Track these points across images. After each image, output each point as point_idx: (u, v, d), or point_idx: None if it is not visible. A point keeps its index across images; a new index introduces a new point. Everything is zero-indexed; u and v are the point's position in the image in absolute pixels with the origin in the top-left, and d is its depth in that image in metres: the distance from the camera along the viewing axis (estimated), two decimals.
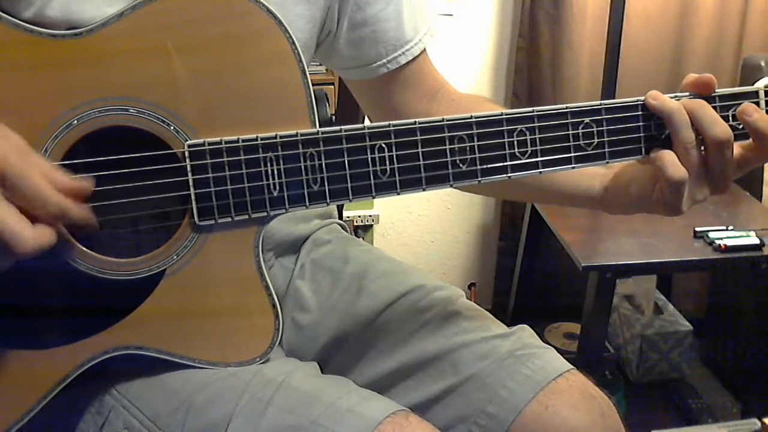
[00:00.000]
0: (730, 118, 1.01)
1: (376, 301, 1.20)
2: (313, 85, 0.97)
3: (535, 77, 2.83)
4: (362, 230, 2.97)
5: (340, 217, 1.52)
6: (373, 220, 2.95)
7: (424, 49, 1.24)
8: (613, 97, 2.47)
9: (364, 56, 1.20)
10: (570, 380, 1.08)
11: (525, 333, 1.15)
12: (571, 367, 1.11)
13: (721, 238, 2.22)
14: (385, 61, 1.20)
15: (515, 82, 2.85)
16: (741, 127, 1.01)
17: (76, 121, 0.91)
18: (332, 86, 2.46)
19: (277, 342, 1.00)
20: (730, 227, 2.29)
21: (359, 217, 2.92)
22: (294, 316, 1.25)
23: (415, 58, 1.22)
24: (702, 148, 0.99)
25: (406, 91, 1.24)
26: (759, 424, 2.28)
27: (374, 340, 1.17)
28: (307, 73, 0.96)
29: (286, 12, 1.07)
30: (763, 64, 2.51)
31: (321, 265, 1.29)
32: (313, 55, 1.21)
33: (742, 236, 2.24)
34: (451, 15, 2.79)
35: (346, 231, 1.41)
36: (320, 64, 2.27)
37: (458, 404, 1.09)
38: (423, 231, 3.06)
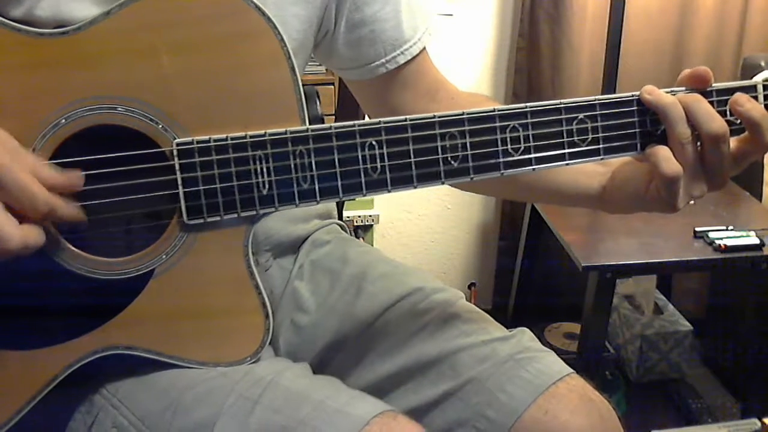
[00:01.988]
0: (728, 112, 0.99)
1: (375, 303, 1.20)
2: (309, 84, 0.96)
3: (535, 77, 2.83)
4: (362, 230, 2.97)
5: (340, 217, 1.51)
6: (373, 220, 2.94)
7: (424, 48, 1.23)
8: None
9: (363, 56, 1.20)
10: (570, 384, 1.07)
11: (525, 336, 1.14)
12: (571, 370, 1.10)
13: (721, 238, 2.22)
14: (383, 60, 1.19)
15: (515, 82, 2.85)
16: (739, 122, 0.99)
17: (64, 120, 0.90)
18: (332, 86, 2.46)
19: (268, 342, 1.00)
20: (730, 227, 2.29)
21: (359, 217, 2.91)
22: (293, 317, 1.24)
23: (414, 58, 1.21)
24: (698, 143, 0.97)
25: (405, 91, 1.23)
26: (759, 424, 2.27)
27: (373, 342, 1.17)
28: (297, 71, 0.95)
29: (282, 12, 1.06)
30: (763, 64, 2.51)
31: (320, 266, 1.28)
32: (310, 54, 1.21)
33: (742, 236, 2.24)
34: (451, 15, 2.79)
35: (346, 231, 1.40)
36: (320, 64, 2.28)
37: (457, 408, 1.08)
38: (423, 231, 3.06)
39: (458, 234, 3.09)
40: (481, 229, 3.09)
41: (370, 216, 2.93)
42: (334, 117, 1.97)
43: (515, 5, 2.81)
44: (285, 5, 1.09)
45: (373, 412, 0.94)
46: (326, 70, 2.41)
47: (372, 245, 2.96)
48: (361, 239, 2.92)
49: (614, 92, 2.59)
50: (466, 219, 3.07)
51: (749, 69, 2.55)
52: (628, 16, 2.55)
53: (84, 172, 0.89)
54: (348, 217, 2.88)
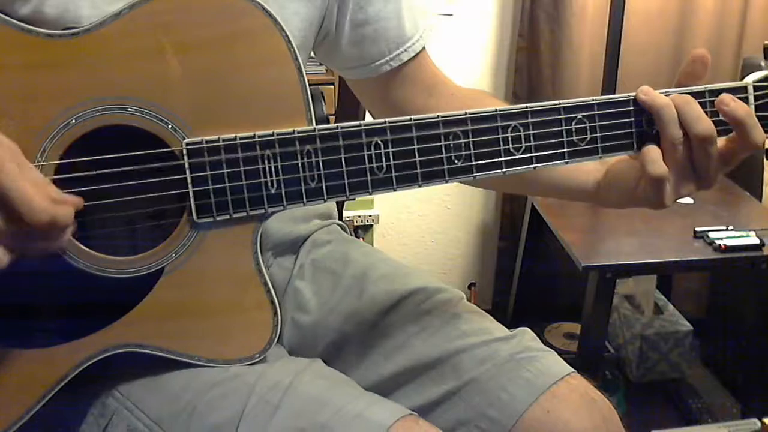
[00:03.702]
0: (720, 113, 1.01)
1: (377, 304, 1.20)
2: (311, 84, 0.97)
3: (535, 77, 2.83)
4: (362, 230, 2.97)
5: (340, 217, 1.52)
6: (373, 220, 2.95)
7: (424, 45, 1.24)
8: None
9: (367, 55, 1.21)
10: (571, 384, 1.08)
11: (526, 336, 1.15)
12: (572, 370, 1.11)
13: (721, 238, 2.22)
14: (387, 59, 1.21)
15: (515, 82, 2.85)
16: None
17: (73, 121, 0.91)
18: (332, 86, 2.47)
19: (276, 338, 1.00)
20: (730, 227, 2.29)
21: (359, 217, 2.92)
22: (294, 316, 1.24)
23: (416, 55, 1.23)
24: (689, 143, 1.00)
25: (406, 87, 1.24)
26: (759, 424, 2.28)
27: (375, 343, 1.17)
28: (304, 71, 0.96)
29: (282, 9, 1.07)
30: (763, 64, 2.51)
31: (321, 267, 1.28)
32: (310, 54, 1.21)
33: (742, 236, 2.24)
34: (451, 15, 2.79)
35: (346, 232, 1.41)
36: (320, 64, 2.28)
37: (459, 408, 1.09)
38: (423, 231, 3.06)
39: (458, 234, 3.09)
40: (481, 230, 3.10)
41: (370, 216, 2.93)
42: (334, 117, 1.97)
43: (515, 5, 2.82)
44: (285, 2, 1.10)
45: (394, 416, 0.94)
46: (326, 69, 2.41)
47: (372, 245, 2.96)
48: (361, 239, 2.92)
49: (614, 92, 2.60)
50: (466, 219, 3.07)
51: (749, 69, 2.54)
52: (628, 16, 2.55)
53: (94, 172, 0.90)
54: (348, 217, 2.89)
